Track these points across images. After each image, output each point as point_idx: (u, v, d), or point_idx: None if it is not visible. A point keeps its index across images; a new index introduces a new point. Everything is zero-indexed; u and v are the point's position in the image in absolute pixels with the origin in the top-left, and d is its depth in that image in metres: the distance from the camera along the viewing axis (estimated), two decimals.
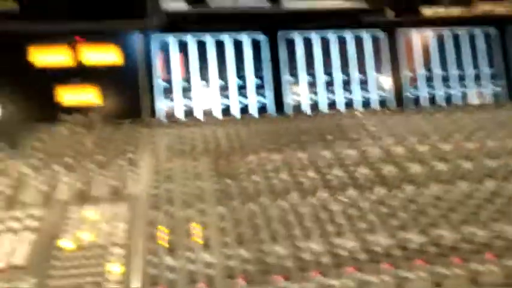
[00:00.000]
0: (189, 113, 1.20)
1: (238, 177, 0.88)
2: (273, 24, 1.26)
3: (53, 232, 0.74)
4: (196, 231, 0.73)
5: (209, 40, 1.23)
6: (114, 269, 0.66)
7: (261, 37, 1.26)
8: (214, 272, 0.64)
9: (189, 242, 0.71)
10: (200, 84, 1.22)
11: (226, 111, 1.22)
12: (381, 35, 1.33)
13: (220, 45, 1.24)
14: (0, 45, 1.14)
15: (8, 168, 0.91)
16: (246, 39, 1.24)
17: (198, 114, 1.20)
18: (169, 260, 0.67)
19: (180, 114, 1.20)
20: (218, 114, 1.21)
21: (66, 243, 0.71)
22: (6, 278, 0.64)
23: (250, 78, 1.24)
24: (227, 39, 1.24)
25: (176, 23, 1.19)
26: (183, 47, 1.22)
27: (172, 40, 1.22)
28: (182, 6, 1.19)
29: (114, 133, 1.08)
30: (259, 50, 1.25)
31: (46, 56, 1.16)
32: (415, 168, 0.93)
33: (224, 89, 1.23)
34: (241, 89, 1.24)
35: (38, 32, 1.15)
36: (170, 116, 1.19)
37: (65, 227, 0.75)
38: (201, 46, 1.23)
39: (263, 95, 1.24)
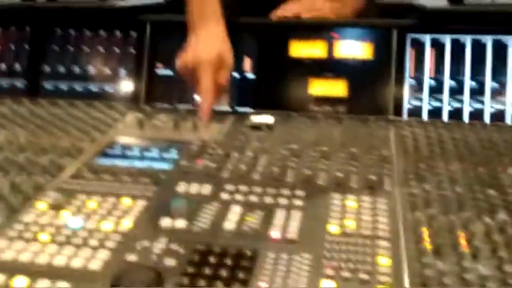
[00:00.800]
0: (437, 114, 1.17)
1: (503, 189, 0.83)
2: None
3: (318, 214, 0.81)
4: (462, 238, 0.72)
5: (466, 40, 1.18)
6: (382, 261, 0.69)
7: None
8: (492, 285, 0.62)
9: (455, 248, 0.70)
10: (450, 86, 1.18)
11: (476, 115, 1.16)
12: None
13: (477, 47, 1.17)
14: (266, 36, 1.29)
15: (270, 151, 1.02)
16: (509, 41, 1.15)
17: (446, 116, 1.17)
18: (438, 264, 0.67)
19: (428, 115, 1.18)
20: (466, 117, 1.16)
21: (332, 227, 0.77)
22: (281, 248, 0.73)
23: (510, 83, 1.15)
24: (487, 40, 1.16)
25: (433, 22, 1.17)
26: (436, 46, 1.19)
27: (426, 38, 1.20)
28: (442, 4, 1.16)
29: (362, 127, 1.12)
30: None
31: (304, 49, 1.26)
32: None
33: (477, 92, 1.17)
34: (497, 93, 1.15)
35: (299, 26, 1.27)
36: (417, 115, 1.18)
37: (329, 212, 0.81)
38: (456, 46, 1.18)
39: None
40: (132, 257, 0.71)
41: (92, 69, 1.39)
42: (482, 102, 1.16)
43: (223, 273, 0.66)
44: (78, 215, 0.82)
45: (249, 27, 1.32)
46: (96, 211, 0.83)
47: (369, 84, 1.21)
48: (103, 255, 0.72)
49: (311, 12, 1.29)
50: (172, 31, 1.34)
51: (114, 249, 0.73)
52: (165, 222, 0.79)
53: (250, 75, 1.28)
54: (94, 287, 0.65)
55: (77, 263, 0.70)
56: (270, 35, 1.30)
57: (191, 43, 1.07)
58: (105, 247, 0.74)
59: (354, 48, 1.24)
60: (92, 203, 0.85)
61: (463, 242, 0.71)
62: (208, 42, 1.05)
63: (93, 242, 0.75)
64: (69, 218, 0.81)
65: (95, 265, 0.70)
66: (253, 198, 0.85)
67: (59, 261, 0.70)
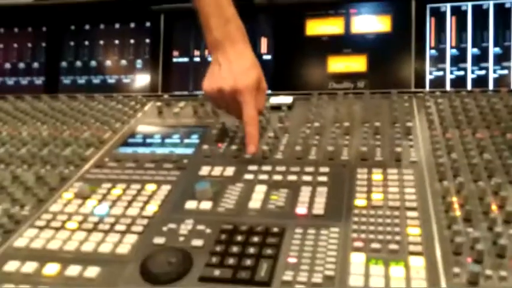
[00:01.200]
0: (460, 83, 1.14)
1: None
2: None
3: (344, 189, 0.80)
4: (493, 205, 0.70)
5: (488, 6, 1.14)
6: (412, 231, 0.68)
7: None
8: None
9: (486, 215, 0.68)
10: (473, 54, 1.15)
11: (501, 81, 1.13)
12: None
13: (500, 11, 1.14)
14: (282, 16, 1.27)
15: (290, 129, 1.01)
16: None
17: (470, 85, 1.14)
18: (469, 230, 0.65)
19: (450, 85, 1.15)
20: (491, 85, 1.12)
21: (359, 201, 0.76)
22: (308, 223, 0.72)
23: None
24: (510, 4, 1.12)
25: None
26: (457, 14, 1.16)
27: (446, 7, 1.17)
28: None
29: (383, 102, 1.10)
30: None
31: (320, 27, 1.24)
32: None
33: (501, 58, 1.13)
34: None
35: (315, 3, 1.25)
36: (440, 85, 1.15)
37: (354, 186, 0.80)
38: (478, 13, 1.15)
39: None
40: (159, 240, 0.71)
41: (108, 62, 1.40)
42: (507, 68, 1.13)
43: (251, 250, 0.66)
44: (103, 202, 0.83)
45: (264, 8, 1.30)
46: (121, 198, 0.83)
47: (389, 58, 1.18)
48: (130, 239, 0.72)
49: None
50: (186, 19, 1.33)
51: (141, 233, 0.74)
52: (190, 204, 0.79)
53: (267, 57, 1.26)
54: (124, 270, 0.66)
55: (105, 248, 0.71)
56: (285, 15, 1.28)
57: (220, 67, 0.95)
58: (132, 231, 0.74)
59: (371, 22, 1.22)
60: (117, 190, 0.86)
61: (494, 207, 0.70)
62: (243, 66, 0.94)
63: (120, 227, 0.75)
64: (95, 206, 0.82)
65: (123, 249, 0.70)
66: (277, 177, 0.85)
67: (88, 247, 0.71)
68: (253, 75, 0.93)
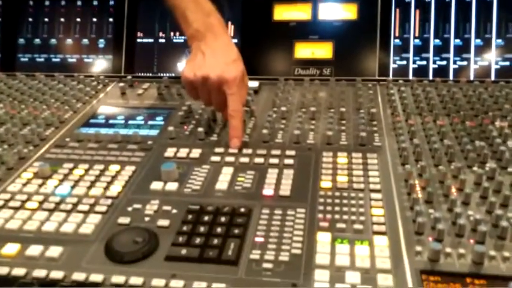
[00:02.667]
0: (422, 73, 1.17)
1: (491, 141, 0.84)
2: None
3: (309, 172, 0.80)
4: (453, 188, 0.73)
5: None
6: (376, 211, 0.69)
7: None
8: (484, 228, 0.62)
9: (447, 197, 0.71)
10: (435, 44, 1.18)
11: (461, 72, 1.16)
12: None
13: (462, 4, 1.17)
14: (250, 2, 1.26)
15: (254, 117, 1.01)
16: None
17: (431, 75, 1.17)
18: (431, 211, 0.68)
19: (413, 74, 1.18)
20: (451, 75, 1.16)
21: (325, 183, 0.77)
22: (275, 204, 0.72)
23: (493, 39, 1.15)
24: None
25: None
26: (421, 5, 1.19)
27: None
28: None
29: (348, 88, 1.11)
30: (507, 10, 1.15)
31: (288, 12, 1.24)
32: None
33: (461, 49, 1.17)
34: (481, 50, 1.16)
35: None
36: (403, 74, 1.17)
37: (320, 169, 0.81)
38: (441, 5, 1.18)
39: (507, 58, 1.15)
40: (124, 220, 0.70)
41: (69, 41, 1.35)
42: (466, 60, 1.16)
43: (218, 230, 0.66)
44: (65, 182, 0.80)
45: None
46: (84, 178, 0.81)
47: (355, 46, 1.20)
48: (94, 219, 0.71)
49: None
50: None
51: (105, 213, 0.72)
52: (156, 185, 0.78)
53: (234, 41, 1.25)
54: (88, 250, 0.64)
55: (67, 228, 0.69)
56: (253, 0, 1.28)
57: (203, 55, 0.92)
58: (96, 211, 0.73)
59: (338, 9, 1.23)
60: (79, 171, 0.83)
61: (454, 190, 0.72)
62: (229, 58, 0.92)
63: (83, 207, 0.73)
64: (56, 186, 0.79)
65: (87, 229, 0.68)
66: (244, 160, 0.85)
67: (49, 227, 0.69)
68: (239, 68, 0.92)
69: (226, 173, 0.81)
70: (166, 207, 0.72)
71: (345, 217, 0.68)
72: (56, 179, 0.81)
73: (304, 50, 1.22)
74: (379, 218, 0.68)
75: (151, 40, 1.30)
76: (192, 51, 0.95)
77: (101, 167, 0.85)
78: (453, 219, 0.66)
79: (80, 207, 0.74)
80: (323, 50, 1.21)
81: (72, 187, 0.79)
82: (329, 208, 0.71)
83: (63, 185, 0.79)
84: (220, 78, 0.89)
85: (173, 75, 1.25)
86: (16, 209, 0.73)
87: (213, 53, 0.91)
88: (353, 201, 0.72)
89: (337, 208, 0.71)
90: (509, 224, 0.64)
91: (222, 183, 0.79)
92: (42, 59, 1.35)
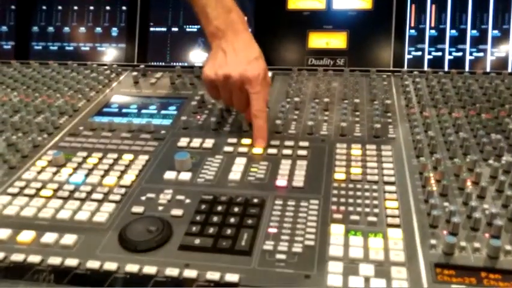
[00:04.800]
0: (438, 64, 1.16)
1: (507, 133, 0.83)
2: None
3: (323, 163, 0.80)
4: (468, 181, 0.72)
5: None
6: (390, 204, 0.69)
7: None
8: (500, 222, 0.62)
9: (461, 190, 0.70)
10: (451, 35, 1.16)
11: (477, 63, 1.15)
12: None
13: None
14: None
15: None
16: None
17: (447, 66, 1.15)
18: (445, 204, 0.67)
19: (428, 65, 1.16)
20: (467, 66, 1.15)
21: (338, 174, 0.77)
22: (288, 195, 0.72)
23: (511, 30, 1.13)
24: None
25: None
26: None
27: None
28: None
29: (362, 79, 1.10)
30: None
31: (302, 1, 1.23)
32: None
33: (478, 40, 1.15)
34: (498, 41, 1.14)
35: None
36: (418, 65, 1.16)
37: (334, 160, 0.80)
38: None
39: None
40: (138, 209, 0.70)
41: (82, 29, 1.35)
42: (483, 51, 1.15)
43: (232, 220, 0.66)
44: (79, 171, 0.81)
45: None
46: (97, 167, 0.82)
47: (369, 36, 1.18)
48: (108, 207, 0.71)
49: None
50: None
51: (118, 202, 0.73)
52: (169, 175, 0.78)
53: (249, 30, 1.24)
54: (102, 238, 0.65)
55: (82, 216, 0.69)
56: None
57: (225, 54, 0.89)
58: (110, 200, 0.73)
59: None
60: (93, 159, 0.84)
61: (469, 183, 0.71)
62: (251, 56, 0.89)
63: (97, 196, 0.74)
64: (70, 174, 0.80)
65: (101, 217, 0.69)
66: (257, 150, 0.85)
67: (64, 214, 0.70)
68: (262, 66, 0.89)
69: (240, 163, 0.81)
70: (180, 197, 0.73)
71: (359, 209, 0.68)
72: (70, 168, 0.82)
73: (318, 40, 1.21)
74: (393, 211, 0.67)
75: (164, 29, 1.30)
76: (213, 50, 0.92)
77: (115, 156, 0.85)
78: (468, 212, 0.65)
79: (94, 195, 0.74)
80: (337, 40, 1.20)
81: (86, 175, 0.79)
82: (343, 200, 0.70)
83: (77, 173, 0.80)
84: (242, 77, 0.86)
85: (186, 64, 1.25)
86: (31, 196, 0.74)
87: (234, 51, 0.89)
88: (367, 194, 0.72)
89: (350, 200, 0.70)
90: None
91: (236, 173, 0.78)
92: (55, 47, 1.35)
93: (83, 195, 0.74)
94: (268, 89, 0.92)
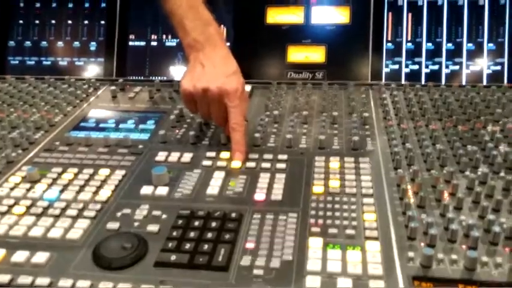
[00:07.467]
0: (415, 77, 1.17)
1: (483, 145, 0.84)
2: None
3: (302, 176, 0.80)
4: (445, 192, 0.72)
5: (443, 3, 1.17)
6: (368, 217, 0.68)
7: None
8: (477, 233, 0.62)
9: (439, 202, 0.70)
10: (427, 48, 1.18)
11: (453, 76, 1.17)
12: None
13: (454, 9, 1.18)
14: (243, 6, 1.26)
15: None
16: (486, 2, 1.15)
17: (424, 79, 1.17)
18: (423, 216, 0.67)
19: (405, 78, 1.18)
20: (443, 79, 1.16)
21: (317, 187, 0.76)
22: (267, 209, 0.71)
23: (485, 44, 1.16)
24: (464, 1, 1.16)
25: None
26: (413, 9, 1.19)
27: (404, 2, 1.19)
28: None
29: (341, 92, 1.11)
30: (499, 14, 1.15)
31: (280, 16, 1.24)
32: None
33: (453, 54, 1.17)
34: (473, 54, 1.16)
35: None
36: (396, 78, 1.17)
37: (312, 173, 0.80)
38: (433, 9, 1.18)
39: (499, 63, 1.15)
40: (113, 225, 0.69)
41: (60, 43, 1.34)
42: (458, 64, 1.17)
43: (209, 235, 0.65)
44: (53, 186, 0.79)
45: None
46: (73, 182, 0.80)
47: (347, 50, 1.20)
48: (82, 224, 0.69)
49: None
50: (144, 1, 1.30)
51: (93, 218, 0.71)
52: (146, 189, 0.77)
53: (227, 44, 1.25)
54: (75, 255, 0.63)
55: (55, 233, 0.67)
56: (245, 2, 1.27)
57: (203, 67, 0.89)
58: (84, 216, 0.71)
59: (331, 13, 1.23)
60: (68, 175, 0.82)
61: (446, 195, 0.72)
62: (229, 71, 0.89)
63: (71, 212, 0.72)
64: (44, 190, 0.78)
65: (75, 234, 0.67)
66: (235, 164, 0.84)
67: (36, 232, 0.68)
68: (240, 80, 0.89)
69: (218, 177, 0.80)
70: (156, 212, 0.71)
71: (337, 222, 0.68)
72: (45, 183, 0.80)
73: (297, 54, 1.22)
74: (371, 223, 0.67)
75: (143, 43, 1.29)
76: (190, 62, 0.92)
77: (91, 171, 0.83)
78: (445, 224, 0.65)
79: (69, 212, 0.72)
80: (316, 54, 1.21)
81: (61, 191, 0.78)
82: (321, 213, 0.70)
83: (51, 189, 0.78)
84: (221, 90, 0.86)
85: (165, 78, 1.25)
86: (3, 213, 0.72)
87: (212, 65, 0.89)
88: (345, 206, 0.71)
89: (329, 213, 0.70)
90: (501, 229, 0.63)
91: (213, 187, 0.78)
92: (32, 62, 1.34)
93: (57, 211, 0.72)
94: (246, 104, 0.92)
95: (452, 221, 0.65)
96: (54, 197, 0.76)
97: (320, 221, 0.68)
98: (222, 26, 1.25)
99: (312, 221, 0.68)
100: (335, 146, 0.89)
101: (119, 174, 0.82)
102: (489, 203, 0.68)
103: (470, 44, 1.17)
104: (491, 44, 1.16)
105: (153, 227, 0.68)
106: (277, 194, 0.75)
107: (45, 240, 0.67)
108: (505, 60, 1.15)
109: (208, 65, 0.89)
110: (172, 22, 0.95)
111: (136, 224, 0.69)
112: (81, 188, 0.79)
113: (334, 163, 0.83)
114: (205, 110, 0.91)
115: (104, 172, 0.83)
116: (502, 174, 0.76)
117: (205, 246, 0.63)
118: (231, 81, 0.87)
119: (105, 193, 0.77)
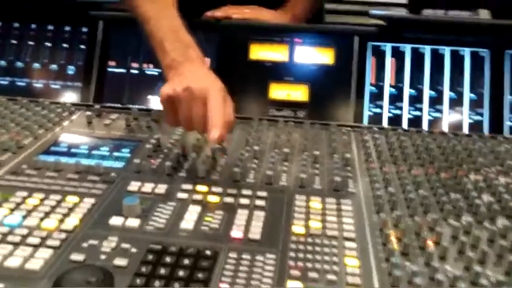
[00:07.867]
0: (396, 121, 1.17)
1: (466, 193, 0.83)
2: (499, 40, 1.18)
3: (281, 215, 0.76)
4: (429, 239, 0.70)
5: (425, 50, 1.19)
6: (350, 262, 0.65)
7: (484, 52, 1.19)
8: (463, 285, 0.59)
9: (423, 249, 0.68)
10: (410, 94, 1.19)
11: (435, 123, 1.17)
12: None
13: (436, 57, 1.20)
14: (227, 40, 1.26)
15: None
16: (466, 53, 1.18)
17: (406, 124, 1.17)
18: (407, 264, 0.64)
19: (388, 122, 1.17)
20: (425, 125, 1.17)
21: (297, 228, 0.73)
22: (243, 248, 0.68)
23: (466, 93, 1.18)
24: (446, 51, 1.19)
25: (394, 31, 1.18)
26: (397, 55, 1.20)
27: (387, 47, 1.21)
28: (403, 13, 1.18)
29: (323, 132, 1.09)
30: (479, 65, 1.18)
31: (264, 52, 1.24)
32: None
33: (435, 101, 1.18)
34: (454, 103, 1.17)
35: (260, 28, 1.24)
36: (378, 122, 1.17)
37: (293, 213, 0.77)
38: (416, 55, 1.20)
39: (479, 113, 1.16)
40: (78, 257, 0.64)
41: (36, 65, 1.30)
42: (440, 111, 1.17)
43: (181, 273, 0.61)
44: (16, 212, 0.74)
45: (207, 28, 1.28)
46: (38, 208, 0.75)
47: (330, 90, 1.19)
48: (44, 254, 0.64)
49: (240, 14, 1.28)
50: (126, 29, 1.28)
51: (57, 247, 0.66)
52: (116, 220, 0.72)
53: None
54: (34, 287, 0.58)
55: (13, 263, 0.62)
56: (229, 37, 1.27)
57: (181, 76, 0.88)
58: (47, 245, 0.66)
59: (315, 53, 1.23)
60: (33, 200, 0.77)
61: (430, 243, 0.69)
62: (208, 77, 0.89)
63: (33, 240, 0.67)
64: (6, 215, 0.72)
65: (35, 264, 0.62)
66: (212, 198, 0.80)
67: None
68: (223, 86, 0.88)
69: (193, 211, 0.76)
70: (125, 245, 0.67)
71: (318, 266, 0.64)
72: (7, 208, 0.74)
73: (279, 91, 1.21)
74: (353, 269, 0.64)
75: (123, 70, 1.27)
76: (170, 77, 0.90)
77: (58, 197, 0.78)
78: (430, 274, 0.62)
79: (30, 239, 0.67)
80: (298, 92, 1.20)
81: (24, 217, 0.72)
82: (301, 255, 0.66)
83: (13, 214, 0.73)
84: (203, 88, 0.84)
85: (143, 107, 1.21)
86: None
87: (192, 74, 0.87)
88: (326, 249, 0.68)
89: (309, 256, 0.66)
90: (488, 282, 0.61)
91: (188, 222, 0.73)
92: (6, 82, 1.29)
93: (17, 238, 0.67)
94: (231, 109, 0.88)
95: (437, 271, 0.62)
96: (16, 222, 0.71)
97: (300, 264, 0.65)
98: (205, 57, 1.24)
99: (292, 263, 0.65)
100: (316, 185, 0.86)
101: (88, 202, 0.78)
102: (474, 253, 0.66)
103: (452, 93, 1.18)
104: (472, 94, 1.18)
105: (121, 261, 0.63)
106: (256, 232, 0.71)
107: (1, 269, 0.61)
108: (486, 110, 1.17)
109: (187, 73, 0.88)
110: (152, 44, 0.94)
111: (103, 256, 0.64)
112: (46, 215, 0.73)
113: (315, 203, 0.80)
114: (187, 113, 0.86)
115: (72, 199, 0.78)
116: (486, 224, 0.75)
117: (176, 285, 0.58)
118: (214, 83, 0.86)
119: (71, 221, 0.72)
